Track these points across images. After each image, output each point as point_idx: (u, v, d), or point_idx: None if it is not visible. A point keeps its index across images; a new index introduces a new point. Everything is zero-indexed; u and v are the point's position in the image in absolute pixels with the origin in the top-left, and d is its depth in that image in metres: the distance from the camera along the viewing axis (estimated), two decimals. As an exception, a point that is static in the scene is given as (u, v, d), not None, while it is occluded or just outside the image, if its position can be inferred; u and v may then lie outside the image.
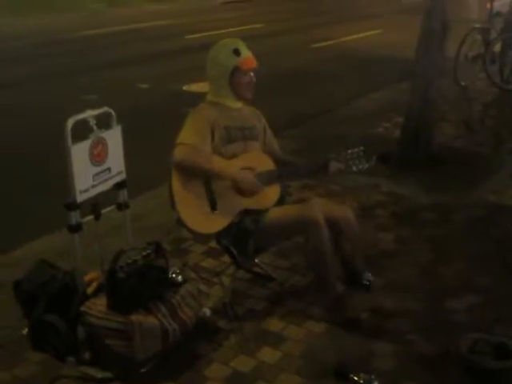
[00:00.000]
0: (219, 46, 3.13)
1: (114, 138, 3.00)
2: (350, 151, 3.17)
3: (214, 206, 3.01)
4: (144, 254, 2.80)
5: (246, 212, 3.06)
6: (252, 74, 3.14)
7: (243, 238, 3.05)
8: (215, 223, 3.02)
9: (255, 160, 3.13)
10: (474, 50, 8.35)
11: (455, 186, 4.82)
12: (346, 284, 3.15)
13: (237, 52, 3.08)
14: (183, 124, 3.06)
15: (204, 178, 3.01)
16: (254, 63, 3.13)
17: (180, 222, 3.03)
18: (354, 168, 3.17)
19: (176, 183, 2.99)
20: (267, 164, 3.16)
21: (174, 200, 2.99)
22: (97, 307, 2.71)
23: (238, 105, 3.19)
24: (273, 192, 3.14)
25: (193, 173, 2.98)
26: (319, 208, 3.03)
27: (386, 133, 6.34)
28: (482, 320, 3.08)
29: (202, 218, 3.00)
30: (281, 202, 3.18)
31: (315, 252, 3.00)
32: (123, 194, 3.13)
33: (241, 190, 3.04)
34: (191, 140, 2.96)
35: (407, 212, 4.41)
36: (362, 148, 3.18)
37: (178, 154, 2.94)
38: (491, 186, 4.84)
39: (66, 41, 13.48)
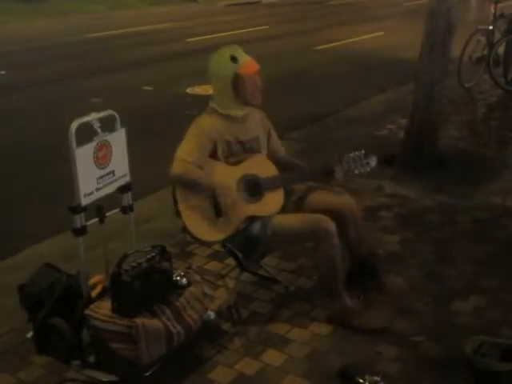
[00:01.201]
0: (216, 56, 3.08)
1: (118, 140, 2.99)
2: (351, 155, 3.18)
3: (218, 213, 2.99)
4: (148, 256, 2.80)
5: (252, 218, 3.04)
6: (256, 78, 3.08)
7: (251, 244, 3.04)
8: (221, 230, 3.01)
9: (258, 166, 3.11)
10: (478, 51, 8.34)
11: (459, 188, 4.81)
12: (351, 273, 3.21)
13: (234, 59, 3.02)
14: (185, 134, 3.03)
15: None
16: (254, 67, 3.07)
17: (185, 231, 3.02)
18: (356, 171, 3.21)
19: (180, 192, 2.98)
20: (270, 170, 3.13)
21: (179, 208, 2.98)
22: (101, 310, 2.70)
23: (244, 112, 3.13)
24: (276, 198, 3.13)
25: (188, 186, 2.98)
26: (330, 218, 3.02)
27: (390, 135, 6.33)
28: (487, 322, 3.07)
29: (207, 226, 2.99)
30: (284, 204, 3.16)
31: (326, 260, 2.99)
32: (127, 197, 3.12)
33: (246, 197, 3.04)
34: (189, 156, 2.93)
35: (412, 214, 4.40)
36: (362, 151, 3.20)
37: (176, 170, 2.92)
38: (496, 188, 4.83)
39: (70, 44, 13.51)
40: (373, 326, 3.01)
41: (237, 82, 3.02)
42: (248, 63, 3.06)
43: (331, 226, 2.97)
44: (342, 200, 3.22)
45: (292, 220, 3.06)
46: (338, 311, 3.06)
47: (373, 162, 3.24)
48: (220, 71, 3.05)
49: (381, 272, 3.33)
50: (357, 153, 3.20)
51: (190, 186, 2.97)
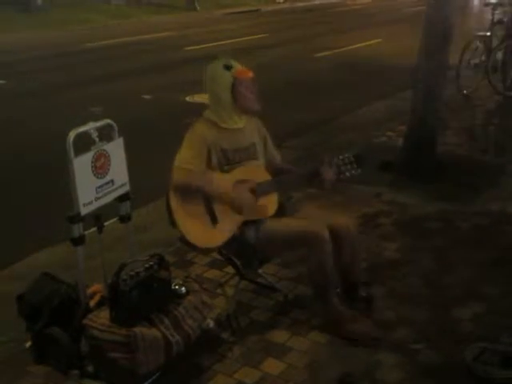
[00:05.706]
0: (209, 69, 3.09)
1: (116, 150, 3.00)
2: (340, 157, 3.16)
3: (214, 220, 2.99)
4: (147, 266, 2.79)
5: (246, 224, 3.04)
6: (252, 84, 3.08)
7: (246, 250, 3.04)
8: (218, 237, 3.01)
9: (252, 172, 3.11)
10: (476, 57, 8.36)
11: (458, 195, 4.80)
12: (343, 293, 3.15)
13: (227, 67, 3.04)
14: (181, 143, 3.03)
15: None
16: (249, 73, 3.09)
17: (183, 240, 3.02)
18: (347, 173, 3.16)
19: (174, 201, 2.97)
20: (264, 176, 3.13)
21: (174, 218, 2.97)
22: (100, 320, 2.69)
23: (240, 124, 3.13)
24: (271, 202, 3.12)
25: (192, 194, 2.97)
26: (324, 223, 3.02)
27: (389, 141, 6.33)
28: (488, 329, 3.06)
29: (204, 233, 2.99)
30: (281, 211, 3.16)
31: (317, 265, 2.98)
32: (126, 206, 3.12)
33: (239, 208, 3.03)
34: (189, 164, 2.94)
35: (411, 221, 4.39)
36: (352, 153, 3.16)
37: (177, 178, 2.94)
38: (495, 194, 4.82)
39: (70, 53, 13.55)
40: (367, 336, 2.99)
41: (235, 87, 3.03)
42: (242, 69, 3.08)
43: (323, 231, 2.96)
44: (340, 220, 3.16)
45: (284, 224, 3.06)
46: (331, 317, 3.04)
47: (362, 163, 3.18)
48: (217, 81, 3.05)
49: (373, 302, 3.28)
50: (346, 155, 3.17)
51: (193, 192, 2.96)
